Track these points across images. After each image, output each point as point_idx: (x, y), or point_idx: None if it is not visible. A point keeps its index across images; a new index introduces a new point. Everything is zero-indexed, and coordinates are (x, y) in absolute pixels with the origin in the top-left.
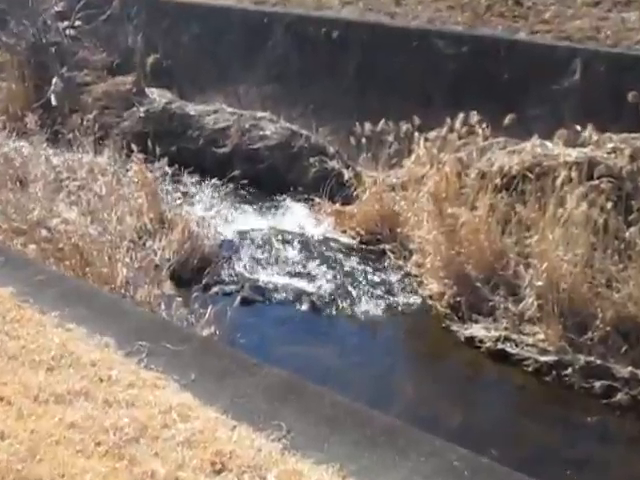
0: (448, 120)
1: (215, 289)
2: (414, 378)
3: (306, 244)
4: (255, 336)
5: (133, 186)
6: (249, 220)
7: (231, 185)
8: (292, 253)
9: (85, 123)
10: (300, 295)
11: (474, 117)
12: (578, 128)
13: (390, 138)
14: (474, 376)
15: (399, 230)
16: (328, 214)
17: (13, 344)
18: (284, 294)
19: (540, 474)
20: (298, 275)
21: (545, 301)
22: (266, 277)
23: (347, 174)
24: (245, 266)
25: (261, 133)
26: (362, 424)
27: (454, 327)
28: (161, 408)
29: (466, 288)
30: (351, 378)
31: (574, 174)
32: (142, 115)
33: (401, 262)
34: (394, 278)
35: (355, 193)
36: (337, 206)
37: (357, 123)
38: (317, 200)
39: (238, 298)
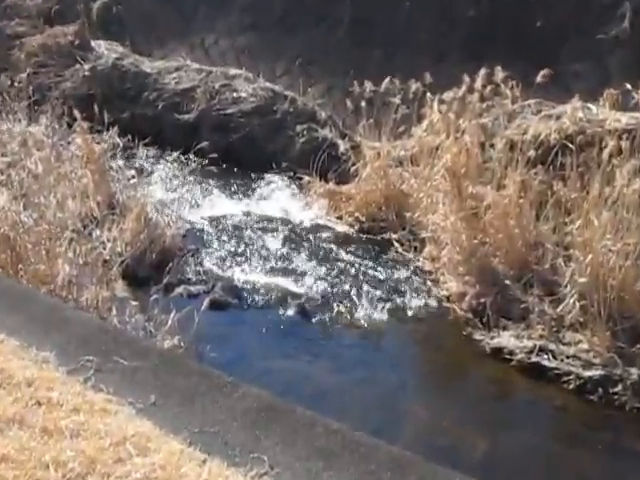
0: (467, 78)
1: (179, 290)
2: (428, 399)
3: (292, 233)
4: (229, 348)
5: (77, 162)
6: (221, 204)
7: (198, 160)
8: (275, 245)
9: (17, 84)
10: (285, 297)
11: (499, 73)
12: (628, 87)
13: (396, 100)
14: (503, 396)
15: (408, 215)
16: (320, 195)
17: None
18: (265, 296)
19: None
20: (283, 272)
21: (590, 302)
22: (243, 275)
23: (343, 145)
24: (216, 261)
25: (235, 95)
26: (364, 457)
27: (477, 335)
28: (113, 439)
29: (492, 287)
30: (350, 400)
31: (624, 144)
32: (87, 74)
33: (411, 255)
34: (402, 275)
35: (353, 169)
36: (331, 185)
37: (355, 82)
38: (306, 178)
39: (208, 301)
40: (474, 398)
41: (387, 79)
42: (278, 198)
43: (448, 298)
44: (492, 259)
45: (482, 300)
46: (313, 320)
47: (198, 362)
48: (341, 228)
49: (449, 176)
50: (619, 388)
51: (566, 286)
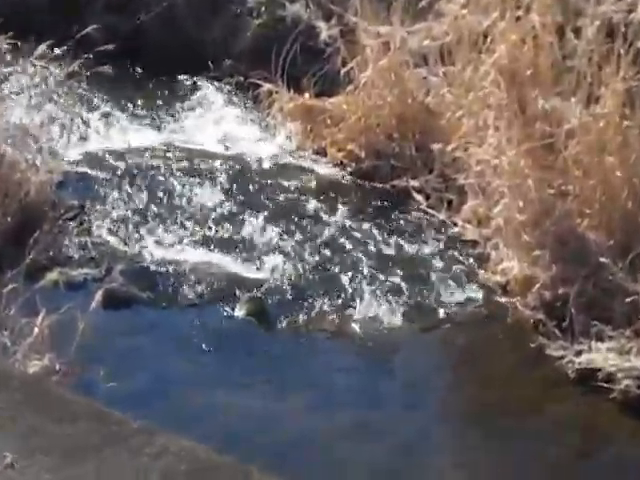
0: None
1: (52, 276)
2: (475, 458)
3: (243, 180)
4: (138, 373)
5: None
6: (122, 130)
7: (82, 57)
8: (213, 199)
9: None
10: (232, 287)
11: None
12: None
13: None
14: (597, 450)
15: (437, 147)
16: (289, 115)
17: None
18: (198, 286)
19: None
20: (227, 246)
21: None
22: (159, 250)
23: (327, 31)
24: (115, 227)
25: None
26: None
27: (555, 349)
28: None
29: (578, 268)
30: (340, 457)
31: None
32: None
33: (442, 215)
34: (428, 248)
35: (344, 71)
36: (307, 98)
37: None
38: (265, 86)
39: (100, 294)
40: (550, 453)
41: None
42: (218, 120)
43: (505, 287)
44: (578, 221)
45: (562, 290)
46: (278, 326)
47: (85, 397)
48: (325, 170)
49: (505, 82)
50: None
51: None
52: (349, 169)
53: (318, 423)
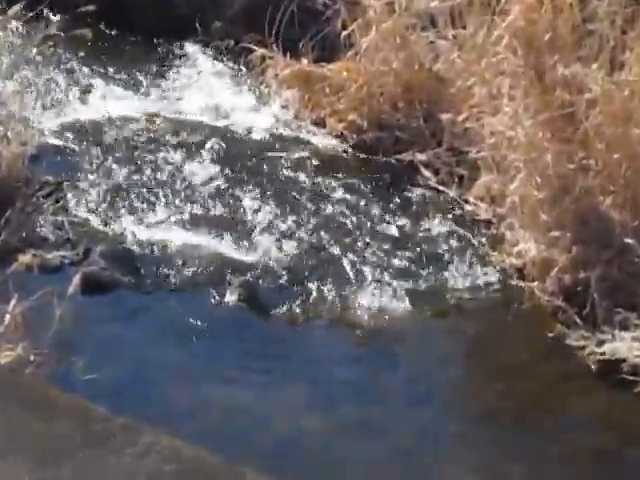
0: None
1: (26, 258)
2: (486, 456)
3: (234, 153)
4: (120, 364)
5: None
6: (103, 98)
7: (59, 19)
8: (203, 174)
9: None
10: (222, 271)
11: None
12: None
13: None
14: (623, 450)
15: (446, 118)
16: (284, 82)
17: None
18: (185, 269)
19: None
20: (217, 225)
21: None
22: (143, 231)
23: None
24: (95, 205)
25: None
26: None
27: (575, 339)
28: None
29: (601, 250)
30: (339, 459)
31: None
32: None
33: (452, 191)
34: (436, 228)
35: (345, 34)
36: (305, 64)
37: None
38: (259, 51)
39: (79, 278)
40: (569, 452)
41: None
42: (208, 87)
43: (521, 271)
44: (600, 199)
45: (582, 274)
46: (273, 313)
47: (63, 390)
48: (324, 142)
49: (521, 47)
50: None
51: None
52: (350, 141)
53: (315, 419)
